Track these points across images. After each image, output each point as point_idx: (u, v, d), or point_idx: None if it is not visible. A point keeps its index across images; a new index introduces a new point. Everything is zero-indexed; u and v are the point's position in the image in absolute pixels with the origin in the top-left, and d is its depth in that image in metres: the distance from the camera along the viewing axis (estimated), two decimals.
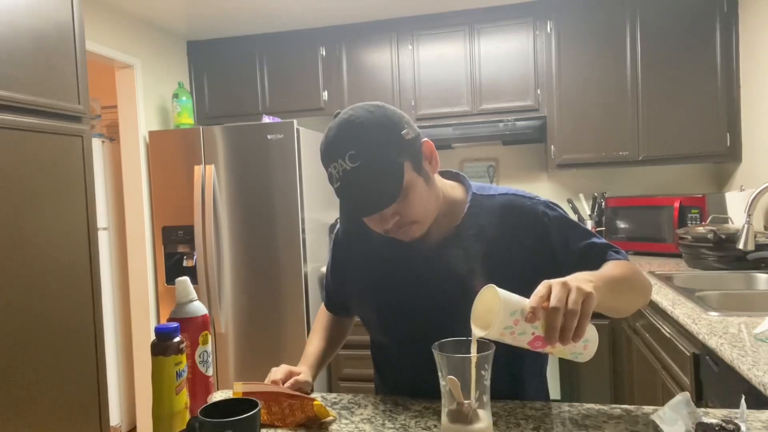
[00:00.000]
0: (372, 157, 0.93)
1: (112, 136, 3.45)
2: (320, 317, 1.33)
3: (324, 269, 1.32)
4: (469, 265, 1.04)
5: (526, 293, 0.82)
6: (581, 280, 0.81)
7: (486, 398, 0.80)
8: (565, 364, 2.86)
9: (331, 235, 1.24)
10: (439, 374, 0.80)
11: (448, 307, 1.04)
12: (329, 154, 0.96)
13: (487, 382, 0.79)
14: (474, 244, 1.05)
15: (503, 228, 1.06)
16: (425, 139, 1.02)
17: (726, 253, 2.33)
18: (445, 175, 1.15)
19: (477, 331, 0.80)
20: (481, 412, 0.79)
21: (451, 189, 1.12)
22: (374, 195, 0.93)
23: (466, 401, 0.78)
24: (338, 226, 1.24)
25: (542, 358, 1.16)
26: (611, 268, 0.99)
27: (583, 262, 1.03)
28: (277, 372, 1.08)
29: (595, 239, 1.08)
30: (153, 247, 3.21)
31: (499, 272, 1.01)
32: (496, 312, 0.77)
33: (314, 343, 1.25)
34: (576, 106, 3.15)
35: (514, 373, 1.09)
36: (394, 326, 1.13)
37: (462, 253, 1.05)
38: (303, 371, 1.10)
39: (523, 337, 0.79)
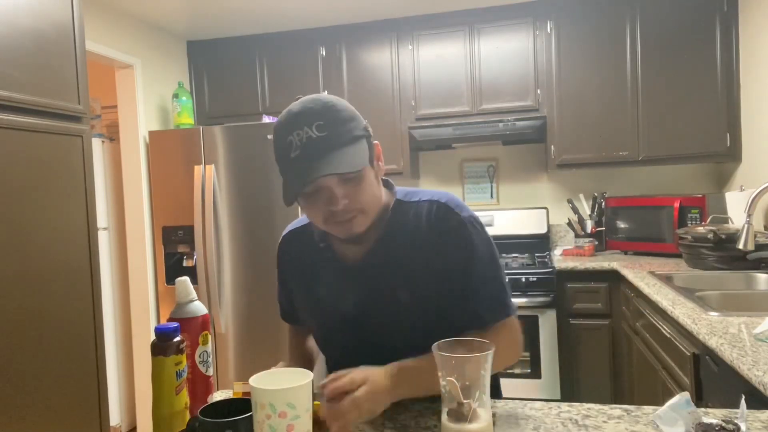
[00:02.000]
0: (340, 130, 0.93)
1: (112, 136, 3.44)
2: (289, 339, 1.34)
3: None
4: (390, 278, 1.04)
5: (437, 295, 1.01)
6: (381, 395, 0.88)
7: (486, 398, 0.80)
8: (565, 364, 2.86)
9: None
10: (439, 374, 0.81)
11: (377, 324, 1.05)
12: (291, 123, 0.93)
13: (487, 382, 0.79)
14: (394, 256, 1.04)
15: (426, 235, 1.03)
16: (376, 141, 1.04)
17: (726, 253, 2.33)
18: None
19: (255, 379, 0.83)
20: (480, 412, 0.79)
21: (387, 197, 1.08)
22: (335, 161, 0.91)
23: (465, 401, 0.78)
24: (279, 242, 1.21)
25: None
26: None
27: (464, 305, 1.02)
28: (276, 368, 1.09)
29: (492, 297, 1.04)
30: (153, 247, 3.21)
31: (419, 280, 1.02)
32: (296, 386, 0.79)
33: (297, 358, 1.27)
34: (576, 106, 3.15)
35: None
36: (331, 346, 1.17)
37: (383, 266, 1.04)
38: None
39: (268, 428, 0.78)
